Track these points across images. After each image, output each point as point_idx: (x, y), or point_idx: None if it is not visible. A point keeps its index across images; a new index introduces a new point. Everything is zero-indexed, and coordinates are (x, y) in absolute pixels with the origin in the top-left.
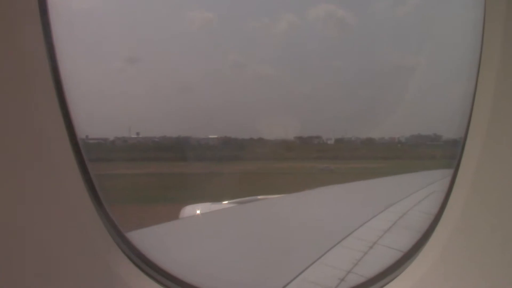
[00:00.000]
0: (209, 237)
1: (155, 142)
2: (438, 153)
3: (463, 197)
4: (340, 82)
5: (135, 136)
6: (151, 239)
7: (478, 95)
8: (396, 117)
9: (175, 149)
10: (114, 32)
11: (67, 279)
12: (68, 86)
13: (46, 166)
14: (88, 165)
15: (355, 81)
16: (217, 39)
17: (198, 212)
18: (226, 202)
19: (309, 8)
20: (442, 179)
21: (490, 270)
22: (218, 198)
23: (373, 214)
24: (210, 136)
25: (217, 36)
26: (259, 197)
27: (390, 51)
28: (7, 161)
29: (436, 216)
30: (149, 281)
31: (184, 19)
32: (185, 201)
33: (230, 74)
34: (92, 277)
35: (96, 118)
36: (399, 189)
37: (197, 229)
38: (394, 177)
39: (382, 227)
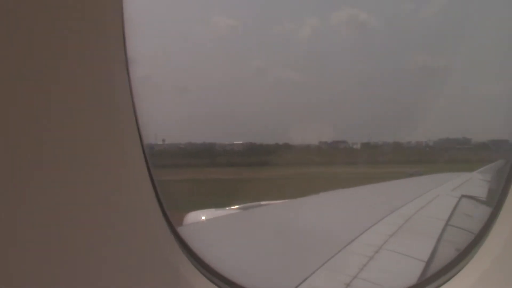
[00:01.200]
0: (211, 244)
1: (181, 148)
2: (471, 156)
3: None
4: (364, 86)
5: (161, 143)
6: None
7: None
8: (423, 121)
9: (200, 155)
10: (137, 40)
11: (133, 271)
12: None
13: (120, 168)
14: (151, 168)
15: (379, 85)
16: (240, 45)
17: (201, 218)
18: (229, 208)
19: (332, 12)
20: (445, 182)
21: None
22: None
23: (378, 219)
24: (235, 142)
25: (240, 42)
26: (262, 202)
27: (417, 53)
28: (90, 162)
29: (490, 216)
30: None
31: (207, 25)
32: (216, 207)
33: (253, 79)
34: (154, 271)
35: None
36: (403, 194)
37: (203, 233)
38: (396, 181)
39: (387, 231)
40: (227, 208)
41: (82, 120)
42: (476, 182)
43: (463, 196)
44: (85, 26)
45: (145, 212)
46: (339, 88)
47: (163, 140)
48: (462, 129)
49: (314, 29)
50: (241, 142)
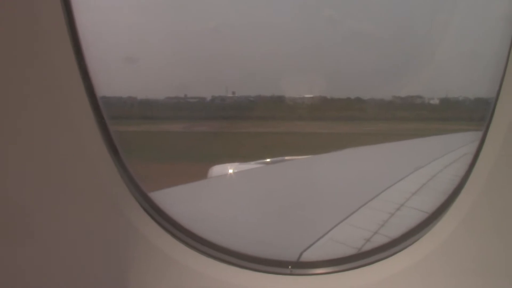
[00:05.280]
0: (235, 197)
1: (251, 101)
2: None
3: (492, 159)
4: (444, 38)
5: (231, 95)
6: (175, 198)
7: None
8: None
9: (271, 108)
10: None
11: (87, 238)
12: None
13: (64, 123)
14: (108, 123)
15: (461, 35)
16: None
17: (225, 172)
18: (253, 162)
19: None
20: (473, 141)
21: None
22: None
23: (402, 176)
24: (306, 96)
25: None
26: (286, 157)
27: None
28: (25, 119)
29: (463, 178)
30: (170, 238)
31: None
32: None
33: (324, 30)
34: (113, 235)
35: (193, 78)
36: (430, 151)
37: (223, 189)
38: (423, 139)
39: (410, 189)
40: (251, 163)
41: (22, 75)
42: None
43: None
44: None
45: (93, 165)
46: (417, 39)
47: (233, 93)
48: None
49: None
50: (311, 95)
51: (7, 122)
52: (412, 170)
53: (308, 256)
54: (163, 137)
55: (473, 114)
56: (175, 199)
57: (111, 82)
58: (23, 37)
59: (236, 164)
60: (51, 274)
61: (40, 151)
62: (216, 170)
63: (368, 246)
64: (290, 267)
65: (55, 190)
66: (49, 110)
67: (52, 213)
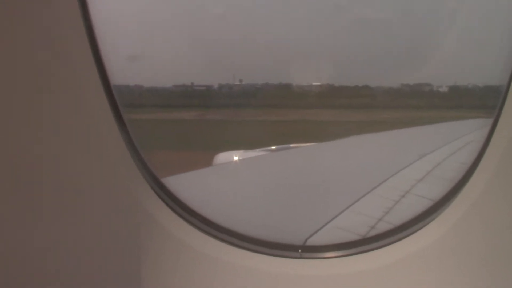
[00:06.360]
0: (242, 183)
1: (257, 89)
2: None
3: (501, 146)
4: (452, 23)
5: (238, 83)
6: (186, 184)
7: None
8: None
9: (278, 96)
10: None
11: (102, 224)
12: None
13: (80, 114)
14: (122, 111)
15: (470, 21)
16: None
17: (230, 159)
18: (259, 150)
19: None
20: (479, 128)
21: None
22: None
23: (407, 164)
24: (314, 84)
25: None
26: (291, 145)
27: None
28: (39, 112)
29: (472, 165)
30: (183, 223)
31: None
32: None
33: (332, 17)
34: (128, 221)
35: (200, 66)
36: (435, 139)
37: (231, 175)
38: (429, 126)
39: (416, 176)
40: (256, 150)
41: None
42: None
43: None
44: None
45: (108, 152)
46: (422, 26)
47: (240, 81)
48: None
49: None
50: (319, 83)
51: (25, 111)
52: (416, 158)
53: (313, 242)
54: (178, 125)
55: (482, 102)
56: (187, 184)
57: (118, 71)
58: (40, 30)
59: (241, 152)
60: (66, 260)
61: (55, 141)
62: (221, 157)
63: (373, 233)
64: (300, 250)
65: (70, 178)
66: (65, 101)
67: (67, 200)
